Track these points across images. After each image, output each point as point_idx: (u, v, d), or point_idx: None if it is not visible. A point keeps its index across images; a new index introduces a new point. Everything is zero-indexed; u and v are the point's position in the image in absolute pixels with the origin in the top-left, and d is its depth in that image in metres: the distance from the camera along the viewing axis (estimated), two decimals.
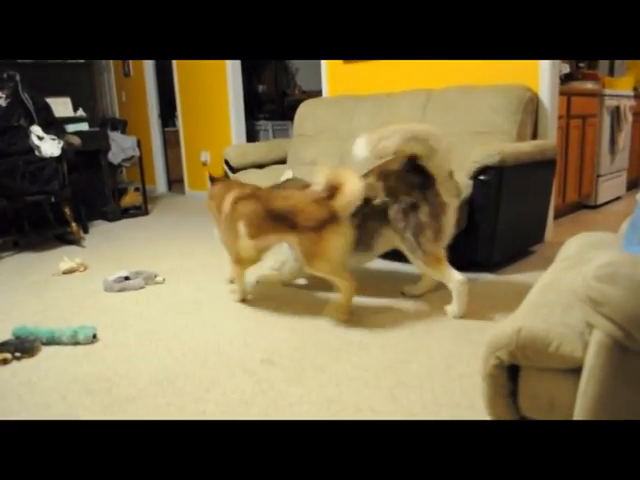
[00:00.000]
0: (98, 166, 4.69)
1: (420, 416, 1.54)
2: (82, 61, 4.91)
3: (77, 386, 1.80)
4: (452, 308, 2.23)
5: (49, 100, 4.14)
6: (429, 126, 2.28)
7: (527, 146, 2.81)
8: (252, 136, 6.22)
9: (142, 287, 2.80)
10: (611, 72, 5.25)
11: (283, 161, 4.15)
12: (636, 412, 0.98)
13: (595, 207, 4.45)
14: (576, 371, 1.04)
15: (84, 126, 4.64)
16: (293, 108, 4.70)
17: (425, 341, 2.03)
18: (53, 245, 3.93)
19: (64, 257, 3.23)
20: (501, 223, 2.67)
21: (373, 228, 2.30)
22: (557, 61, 3.20)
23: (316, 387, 1.72)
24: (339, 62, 4.18)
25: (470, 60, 3.37)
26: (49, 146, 3.75)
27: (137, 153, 5.06)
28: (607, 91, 4.34)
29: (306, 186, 2.32)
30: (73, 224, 3.93)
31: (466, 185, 2.63)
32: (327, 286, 2.36)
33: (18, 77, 3.89)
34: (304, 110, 4.19)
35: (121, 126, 5.38)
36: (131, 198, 5.11)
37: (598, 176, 4.38)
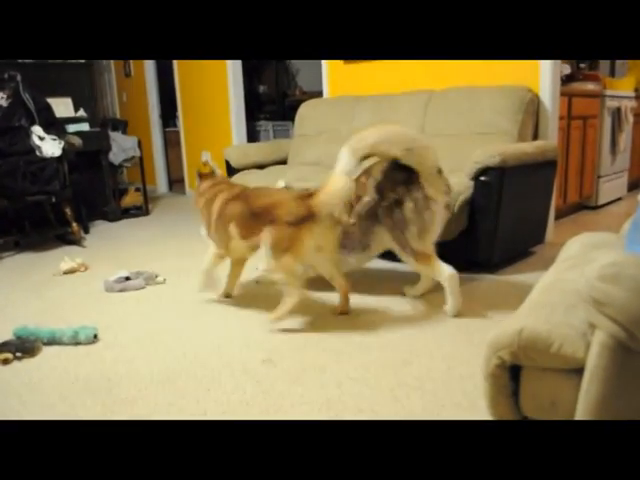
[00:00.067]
0: (99, 166, 4.69)
1: (421, 416, 1.53)
2: (83, 61, 4.92)
3: (78, 386, 1.80)
4: (448, 306, 2.24)
5: (50, 100, 4.14)
6: (402, 127, 2.35)
7: (528, 147, 2.81)
8: (253, 136, 6.23)
9: (143, 287, 2.80)
10: (612, 73, 5.25)
11: (284, 162, 4.15)
12: (638, 412, 0.98)
13: (596, 208, 4.45)
14: (578, 371, 1.04)
15: (85, 126, 4.64)
16: (294, 108, 4.71)
17: (426, 341, 2.02)
18: (54, 245, 3.93)
19: (65, 257, 3.23)
20: (502, 224, 2.67)
21: (367, 227, 2.31)
22: (558, 62, 3.21)
23: (317, 387, 1.72)
24: (340, 62, 4.18)
25: (471, 60, 3.38)
26: (50, 146, 3.75)
27: (138, 153, 5.07)
28: (608, 92, 4.34)
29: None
30: (74, 224, 3.93)
31: (467, 186, 2.63)
32: (327, 286, 2.36)
33: (19, 77, 3.89)
34: (305, 111, 4.19)
35: (122, 126, 5.38)
36: (132, 198, 5.12)
37: (599, 177, 4.38)
